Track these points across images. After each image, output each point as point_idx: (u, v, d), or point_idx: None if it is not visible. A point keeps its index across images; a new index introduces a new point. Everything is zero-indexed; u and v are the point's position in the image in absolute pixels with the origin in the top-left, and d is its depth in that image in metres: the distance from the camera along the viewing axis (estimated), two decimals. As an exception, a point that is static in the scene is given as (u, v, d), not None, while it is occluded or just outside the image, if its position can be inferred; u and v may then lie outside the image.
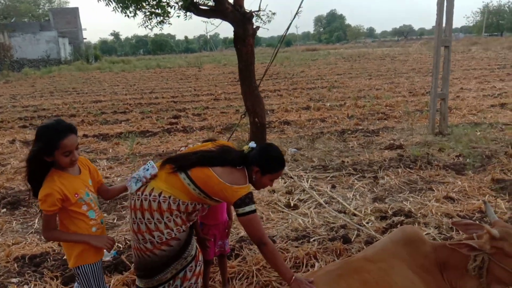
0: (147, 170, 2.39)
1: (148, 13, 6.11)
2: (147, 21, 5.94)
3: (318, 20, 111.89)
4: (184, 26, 36.00)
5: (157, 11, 6.02)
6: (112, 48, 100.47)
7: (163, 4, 5.77)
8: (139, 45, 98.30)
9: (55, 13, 50.80)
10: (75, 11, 51.28)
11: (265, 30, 6.73)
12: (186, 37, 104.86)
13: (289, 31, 6.99)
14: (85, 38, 55.90)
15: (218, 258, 3.06)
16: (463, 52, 31.02)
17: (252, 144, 2.50)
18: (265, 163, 2.41)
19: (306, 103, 11.96)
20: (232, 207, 2.75)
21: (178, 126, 9.47)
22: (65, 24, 49.02)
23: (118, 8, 5.76)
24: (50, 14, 50.81)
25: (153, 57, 53.74)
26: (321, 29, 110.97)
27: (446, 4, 7.16)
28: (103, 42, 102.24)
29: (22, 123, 10.53)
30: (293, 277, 2.28)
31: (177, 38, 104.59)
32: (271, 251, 2.34)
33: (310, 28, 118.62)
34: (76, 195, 2.26)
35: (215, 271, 3.26)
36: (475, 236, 2.37)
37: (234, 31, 6.42)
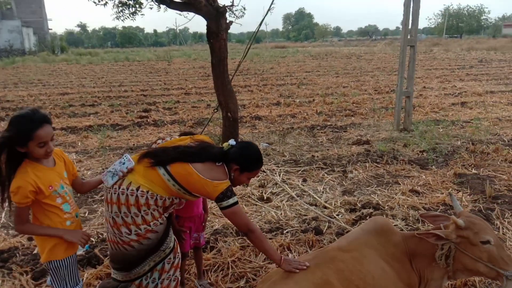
0: (123, 163, 2.34)
1: (119, 4, 6.01)
2: (119, 12, 5.83)
3: (287, 18, 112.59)
4: (153, 19, 35.35)
5: (129, 1, 5.94)
6: (79, 39, 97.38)
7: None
8: (107, 37, 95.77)
9: (18, 1, 48.50)
10: (39, 0, 49.28)
11: (235, 26, 6.80)
12: (155, 31, 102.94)
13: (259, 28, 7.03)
14: (51, 29, 53.99)
15: (194, 250, 3.09)
16: (425, 53, 32.12)
17: (232, 142, 2.53)
18: (244, 161, 2.45)
19: (277, 99, 12.09)
20: (211, 201, 2.80)
21: (148, 120, 9.36)
22: (29, 13, 47.06)
23: None
24: (13, 2, 48.46)
25: (121, 50, 52.47)
26: (290, 27, 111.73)
27: (412, 5, 7.43)
28: (70, 34, 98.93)
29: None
30: (282, 258, 2.37)
31: (146, 31, 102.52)
32: (258, 237, 2.41)
33: (279, 26, 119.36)
34: (50, 188, 2.20)
35: (190, 264, 3.29)
36: (442, 226, 2.51)
37: (207, 25, 6.41)
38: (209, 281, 3.16)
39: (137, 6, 5.83)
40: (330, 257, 2.44)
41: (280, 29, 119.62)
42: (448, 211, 4.23)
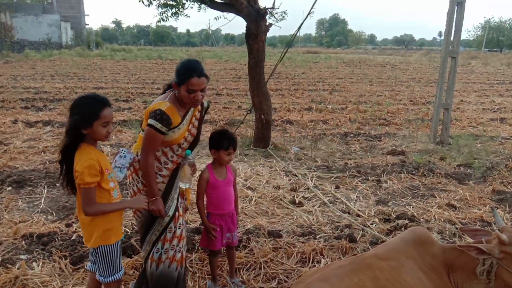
0: (125, 157, 2.55)
1: (162, 3, 6.13)
2: (163, 13, 5.96)
3: (320, 23, 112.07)
4: (186, 19, 35.91)
5: (171, 2, 6.05)
6: (113, 36, 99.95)
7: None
8: (141, 35, 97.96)
9: (59, -4, 50.49)
10: (79, -4, 51.01)
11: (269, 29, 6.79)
12: (188, 31, 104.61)
13: (290, 32, 7.06)
14: (87, 24, 55.63)
15: (227, 249, 3.11)
16: (463, 65, 31.28)
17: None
18: (176, 75, 2.59)
19: (308, 104, 12.04)
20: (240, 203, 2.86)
21: (181, 118, 9.49)
22: (68, 8, 48.77)
23: None
24: (54, -3, 50.47)
25: (154, 48, 53.57)
26: (323, 33, 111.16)
27: (456, 15, 7.26)
28: (105, 30, 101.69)
29: (24, 104, 10.50)
30: (156, 198, 2.60)
31: (179, 30, 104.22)
32: (146, 169, 2.59)
33: (312, 31, 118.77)
34: (107, 171, 2.30)
35: (222, 261, 3.32)
36: (484, 240, 2.44)
37: (246, 27, 6.46)
38: (241, 279, 3.17)
39: (180, 7, 5.92)
40: (367, 264, 2.42)
41: (313, 34, 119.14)
42: (486, 228, 4.09)
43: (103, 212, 2.29)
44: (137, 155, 2.65)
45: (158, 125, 2.51)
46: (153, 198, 2.59)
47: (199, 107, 2.80)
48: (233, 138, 2.88)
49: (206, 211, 2.95)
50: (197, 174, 3.10)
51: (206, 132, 8.25)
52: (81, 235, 3.80)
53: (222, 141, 2.83)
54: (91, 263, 2.55)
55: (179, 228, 2.72)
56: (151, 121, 2.51)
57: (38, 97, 11.67)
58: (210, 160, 6.14)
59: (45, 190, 4.89)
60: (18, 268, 3.23)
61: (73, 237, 3.76)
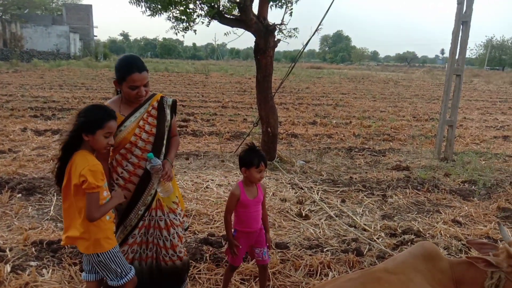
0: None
1: (173, 18, 6.25)
2: (175, 27, 6.09)
3: (324, 40, 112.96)
4: (192, 33, 36.31)
5: (182, 17, 6.16)
6: (120, 48, 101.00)
7: (189, 11, 5.93)
8: (147, 47, 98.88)
9: (69, 8, 51.28)
10: (88, 8, 51.75)
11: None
12: (194, 44, 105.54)
13: (295, 48, 7.20)
14: (96, 36, 56.30)
15: (259, 268, 3.07)
16: (465, 83, 31.42)
17: None
18: (116, 72, 2.63)
19: (312, 118, 12.13)
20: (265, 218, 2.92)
21: (187, 129, 9.59)
22: (77, 20, 49.46)
23: (148, 10, 5.91)
24: (64, 9, 51.24)
25: (160, 61, 54.02)
26: (327, 48, 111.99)
27: (461, 34, 7.38)
28: (112, 41, 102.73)
29: (33, 113, 10.62)
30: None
31: (185, 44, 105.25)
32: None
33: (316, 47, 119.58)
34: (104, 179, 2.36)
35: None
36: (491, 254, 2.47)
37: (255, 42, 6.58)
38: None
39: (190, 22, 6.05)
40: (377, 278, 2.44)
41: (317, 50, 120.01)
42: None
43: (105, 213, 2.33)
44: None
45: None
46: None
47: (155, 104, 2.72)
48: (263, 154, 2.81)
49: (233, 227, 2.92)
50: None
51: (212, 143, 8.34)
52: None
53: (253, 158, 2.74)
54: (86, 273, 2.56)
55: (139, 236, 2.76)
56: None
57: (46, 106, 11.81)
58: (216, 172, 6.27)
59: (55, 198, 4.94)
60: (28, 275, 3.26)
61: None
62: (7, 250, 3.63)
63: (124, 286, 2.48)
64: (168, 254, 2.82)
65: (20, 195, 4.98)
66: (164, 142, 2.73)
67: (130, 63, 2.56)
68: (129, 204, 2.71)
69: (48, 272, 3.34)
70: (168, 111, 2.76)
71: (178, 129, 9.62)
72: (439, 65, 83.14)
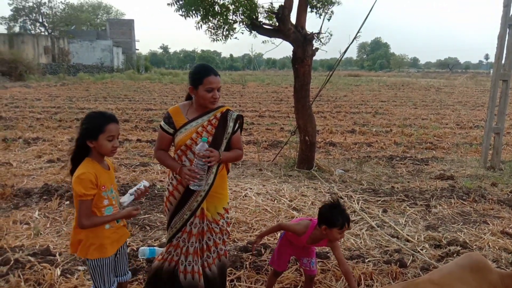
0: (138, 188, 2.67)
1: (213, 27, 6.38)
2: (214, 35, 6.22)
3: (362, 47, 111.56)
4: (229, 44, 36.91)
5: (223, 25, 6.28)
6: (161, 60, 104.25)
7: (230, 21, 6.04)
8: (187, 59, 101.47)
9: (112, 23, 53.50)
10: (130, 23, 53.73)
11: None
12: (231, 55, 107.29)
13: (332, 56, 7.14)
14: (137, 49, 58.31)
15: (305, 277, 3.07)
16: (514, 89, 30.04)
17: None
18: (191, 78, 2.77)
19: (351, 126, 11.97)
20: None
21: (225, 139, 9.71)
22: (120, 34, 51.48)
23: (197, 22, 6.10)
24: (107, 24, 53.56)
25: (199, 72, 55.13)
26: (365, 56, 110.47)
27: (507, 38, 7.09)
28: (153, 54, 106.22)
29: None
30: (180, 167, 2.68)
31: (222, 55, 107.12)
32: (156, 159, 2.89)
33: (353, 54, 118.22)
34: (103, 187, 2.34)
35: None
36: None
37: (293, 51, 6.62)
38: None
39: (230, 30, 6.17)
40: (422, 289, 2.38)
41: (354, 57, 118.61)
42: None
43: (98, 225, 2.32)
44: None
45: (162, 123, 2.79)
46: (177, 171, 2.70)
47: (218, 114, 2.79)
48: (348, 214, 2.64)
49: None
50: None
51: (250, 152, 8.40)
52: (134, 248, 3.97)
53: (337, 220, 2.57)
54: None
55: (182, 241, 2.83)
56: (161, 122, 2.80)
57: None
58: (254, 180, 6.31)
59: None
60: (76, 278, 3.40)
61: (128, 250, 3.92)
62: (57, 254, 3.80)
63: None
64: (211, 253, 2.87)
65: (68, 202, 5.21)
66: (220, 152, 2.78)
67: (206, 67, 2.76)
68: (176, 207, 2.81)
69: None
70: (231, 124, 2.81)
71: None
72: (483, 71, 79.79)
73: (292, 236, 2.87)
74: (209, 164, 2.64)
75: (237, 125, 2.85)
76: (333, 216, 2.58)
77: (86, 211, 2.27)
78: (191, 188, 2.68)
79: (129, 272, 2.66)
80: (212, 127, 2.77)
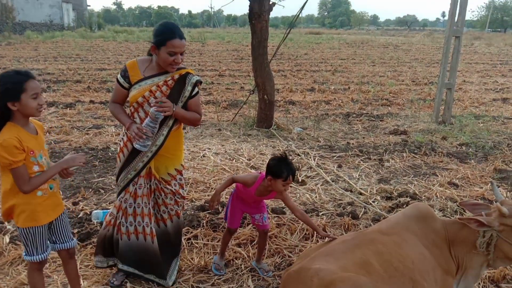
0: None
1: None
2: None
3: (323, 4, 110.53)
4: (188, 0, 35.41)
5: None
6: (115, 17, 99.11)
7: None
8: (142, 16, 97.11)
9: (60, -23, 49.81)
10: (80, -23, 50.27)
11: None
12: (189, 12, 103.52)
13: (292, 13, 7.01)
14: (89, 6, 55.08)
15: (258, 233, 3.11)
16: (466, 46, 30.94)
17: None
18: (155, 36, 2.59)
19: (311, 85, 12.01)
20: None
21: (184, 99, 9.50)
22: (69, -11, 48.16)
23: None
24: (55, -22, 49.80)
25: (155, 30, 53.04)
26: (325, 13, 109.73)
27: (460, -6, 7.18)
28: (106, 11, 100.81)
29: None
30: (129, 123, 2.64)
31: (180, 11, 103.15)
32: (110, 111, 2.83)
33: (314, 11, 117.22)
34: (31, 153, 2.19)
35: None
36: (484, 214, 2.49)
37: (249, 6, 6.42)
38: (267, 264, 3.16)
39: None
40: (370, 239, 2.47)
41: (316, 15, 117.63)
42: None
43: (40, 184, 2.20)
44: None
45: (118, 76, 2.71)
46: (126, 127, 2.64)
47: (176, 76, 2.69)
48: (294, 168, 2.70)
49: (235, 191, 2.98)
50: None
51: (209, 113, 8.28)
52: (88, 212, 3.89)
53: (283, 171, 2.63)
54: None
55: (124, 202, 2.78)
56: (117, 74, 2.72)
57: (41, 79, 11.66)
58: (213, 140, 6.26)
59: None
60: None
61: (80, 215, 3.83)
62: (6, 222, 3.66)
63: (30, 264, 2.42)
64: (160, 212, 2.87)
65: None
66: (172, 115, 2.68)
67: (172, 29, 2.56)
68: (123, 164, 2.76)
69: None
70: (189, 88, 2.72)
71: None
72: (440, 28, 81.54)
73: (242, 191, 2.90)
74: (163, 114, 2.55)
75: (195, 90, 2.76)
76: (279, 168, 2.64)
77: (22, 177, 2.14)
78: (135, 146, 2.61)
79: (74, 239, 2.55)
80: (167, 88, 2.68)
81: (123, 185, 2.77)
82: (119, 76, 2.70)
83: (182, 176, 2.92)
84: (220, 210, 3.93)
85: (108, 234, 2.86)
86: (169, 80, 2.68)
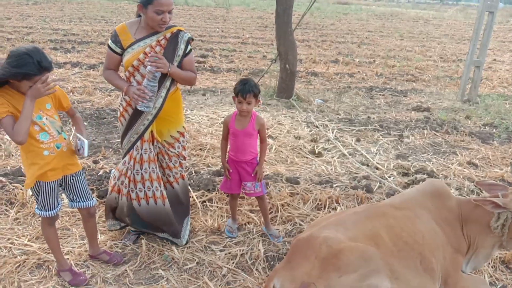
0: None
1: None
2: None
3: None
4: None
5: None
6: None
7: None
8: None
9: None
10: None
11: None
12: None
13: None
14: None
15: (257, 200, 3.20)
16: (501, 23, 29.50)
17: None
18: None
19: (335, 56, 11.77)
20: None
21: (205, 65, 9.48)
22: None
23: None
24: None
25: (180, -6, 52.36)
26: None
27: (499, -34, 6.82)
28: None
29: (53, 45, 10.63)
30: (127, 87, 2.63)
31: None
32: (105, 78, 2.81)
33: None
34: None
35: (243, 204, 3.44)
36: (500, 195, 2.45)
37: (276, -28, 6.26)
38: (278, 230, 3.23)
39: None
40: (382, 212, 2.47)
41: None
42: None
43: (24, 127, 2.18)
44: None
45: (109, 41, 2.68)
46: (124, 91, 2.65)
47: (168, 35, 2.68)
48: (248, 88, 2.75)
49: (228, 153, 3.04)
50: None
51: (230, 80, 8.26)
52: (107, 171, 4.00)
53: (235, 89, 2.80)
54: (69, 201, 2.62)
55: (129, 169, 2.80)
56: (108, 40, 2.69)
57: (66, 39, 11.76)
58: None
59: (74, 128, 5.06)
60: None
61: (100, 173, 3.95)
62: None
63: (42, 219, 2.55)
64: (165, 174, 2.94)
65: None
66: (168, 75, 2.70)
67: None
68: (125, 129, 2.81)
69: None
70: (182, 46, 2.72)
71: (196, 65, 9.49)
72: (475, 4, 77.92)
73: (231, 138, 2.98)
74: (157, 70, 2.54)
75: (189, 47, 2.76)
76: (235, 87, 2.80)
77: (9, 127, 2.17)
78: (139, 108, 2.62)
79: (93, 198, 2.65)
80: (161, 48, 2.68)
81: (128, 148, 2.82)
82: (110, 42, 2.67)
83: (184, 138, 2.99)
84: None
85: (116, 201, 2.90)
86: (161, 40, 2.67)
